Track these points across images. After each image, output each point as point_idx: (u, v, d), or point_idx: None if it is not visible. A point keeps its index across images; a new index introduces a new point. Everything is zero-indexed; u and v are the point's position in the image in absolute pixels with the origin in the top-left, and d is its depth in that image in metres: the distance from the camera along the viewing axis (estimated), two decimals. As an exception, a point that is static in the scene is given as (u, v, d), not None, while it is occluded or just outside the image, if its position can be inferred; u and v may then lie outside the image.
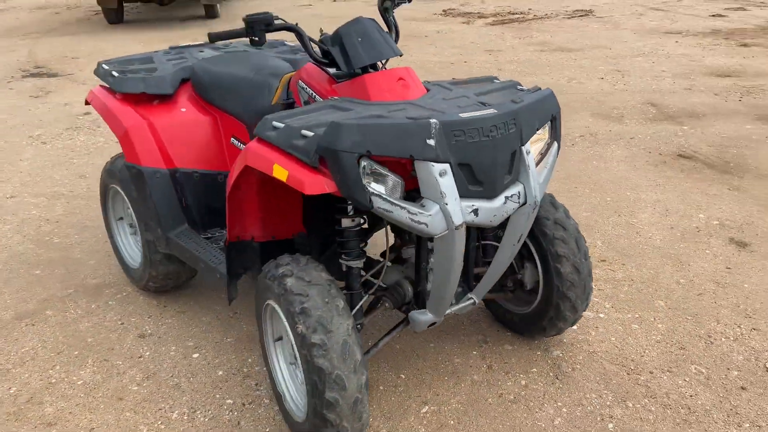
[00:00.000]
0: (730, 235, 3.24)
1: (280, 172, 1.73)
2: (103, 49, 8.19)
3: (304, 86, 2.17)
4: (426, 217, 1.71)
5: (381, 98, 1.93)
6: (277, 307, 1.87)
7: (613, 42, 8.00)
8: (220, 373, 2.35)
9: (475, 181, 1.77)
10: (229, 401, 2.21)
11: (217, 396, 2.24)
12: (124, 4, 10.44)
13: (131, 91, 2.59)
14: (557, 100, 2.00)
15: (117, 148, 4.58)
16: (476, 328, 2.55)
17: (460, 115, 1.76)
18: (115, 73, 2.63)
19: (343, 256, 2.01)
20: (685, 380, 2.26)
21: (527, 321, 2.39)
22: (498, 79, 2.20)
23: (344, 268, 2.02)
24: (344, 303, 1.80)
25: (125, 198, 2.68)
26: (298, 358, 1.80)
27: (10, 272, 3.04)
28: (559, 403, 2.17)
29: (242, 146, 2.55)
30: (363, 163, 1.67)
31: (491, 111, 1.80)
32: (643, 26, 9.07)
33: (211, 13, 10.31)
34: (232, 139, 2.59)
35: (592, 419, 2.09)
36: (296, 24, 2.05)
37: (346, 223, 1.98)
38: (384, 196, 1.68)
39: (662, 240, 3.21)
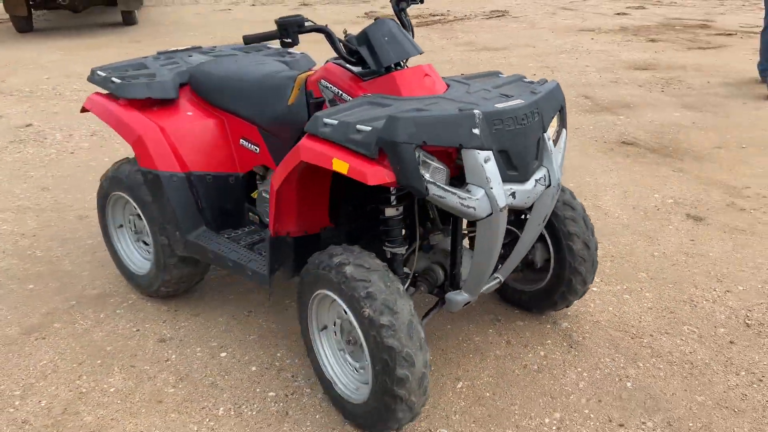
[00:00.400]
0: (686, 212, 3.58)
1: (340, 165, 1.83)
2: (21, 58, 7.82)
3: (329, 85, 2.25)
4: (474, 202, 1.85)
5: (411, 93, 2.05)
6: (334, 295, 1.96)
7: (535, 40, 8.44)
8: (254, 368, 2.40)
9: (511, 166, 1.93)
10: (271, 394, 2.27)
11: (258, 390, 2.29)
12: (33, 12, 9.97)
13: (137, 97, 2.58)
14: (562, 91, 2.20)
15: (72, 160, 4.45)
16: (486, 308, 2.72)
17: (496, 105, 1.91)
18: (116, 80, 2.61)
19: (387, 244, 2.13)
20: (681, 339, 2.51)
21: (537, 297, 2.58)
22: (502, 74, 2.37)
23: (388, 255, 2.13)
24: (402, 286, 1.92)
25: (133, 204, 2.67)
26: (363, 342, 1.89)
27: (0, 288, 2.94)
28: (579, 369, 2.36)
29: (253, 147, 2.59)
30: (417, 153, 1.79)
31: (520, 101, 1.97)
32: (557, 25, 9.61)
33: (128, 20, 10.03)
34: (241, 140, 2.63)
35: (611, 380, 2.30)
36: (326, 25, 2.14)
37: (390, 212, 2.10)
38: (438, 184, 1.81)
39: (629, 219, 3.51)
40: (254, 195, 2.70)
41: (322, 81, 2.29)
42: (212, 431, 2.11)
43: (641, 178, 4.04)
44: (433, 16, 10.71)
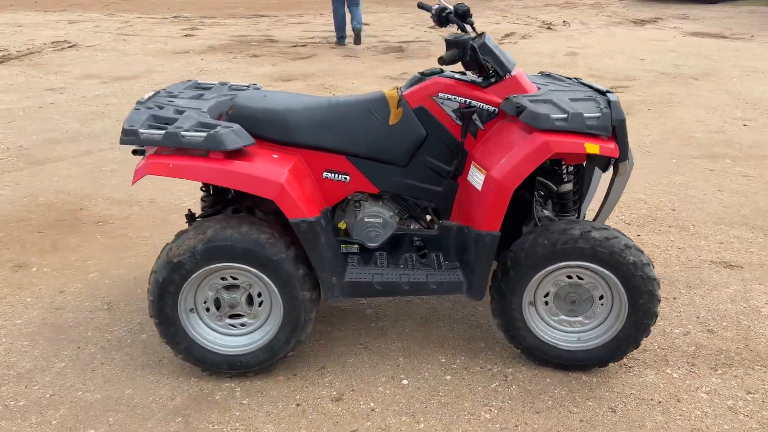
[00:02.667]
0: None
1: (592, 147, 2.29)
2: None
3: (452, 96, 2.53)
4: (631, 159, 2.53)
5: (533, 91, 2.55)
6: (585, 262, 2.35)
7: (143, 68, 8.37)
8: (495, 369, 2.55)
9: None
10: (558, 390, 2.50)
11: (548, 380, 2.53)
12: None
13: (235, 147, 2.26)
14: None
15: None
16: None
17: (608, 95, 2.58)
18: (195, 133, 2.21)
19: (560, 215, 2.58)
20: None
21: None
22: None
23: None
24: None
25: (252, 272, 2.34)
26: (623, 285, 2.36)
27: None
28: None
29: (342, 177, 2.58)
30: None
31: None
32: (148, 49, 9.57)
33: None
34: (325, 173, 2.58)
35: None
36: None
37: (567, 187, 2.56)
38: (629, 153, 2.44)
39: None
40: (342, 225, 2.66)
41: (441, 94, 2.53)
42: None
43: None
44: None
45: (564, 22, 12.42)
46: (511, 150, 2.35)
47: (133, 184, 2.40)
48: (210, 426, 2.27)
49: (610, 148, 2.32)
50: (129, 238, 3.62)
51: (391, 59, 8.95)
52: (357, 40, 9.84)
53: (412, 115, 2.56)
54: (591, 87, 2.67)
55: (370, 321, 2.90)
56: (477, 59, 2.47)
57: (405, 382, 2.51)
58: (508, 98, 2.49)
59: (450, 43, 2.44)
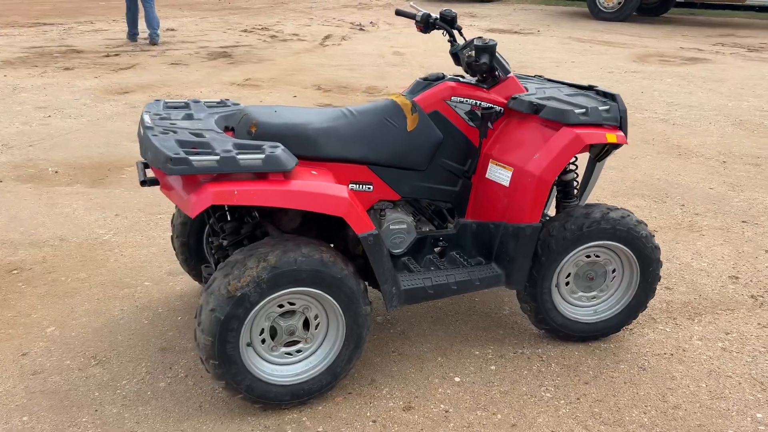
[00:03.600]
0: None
1: (611, 137, 2.54)
2: None
3: (464, 99, 2.64)
4: None
5: (525, 91, 2.76)
6: (611, 241, 2.59)
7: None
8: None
9: None
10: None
11: (577, 354, 2.63)
12: None
13: (293, 167, 2.14)
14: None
15: None
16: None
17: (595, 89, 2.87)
18: (245, 156, 2.06)
19: (563, 202, 2.80)
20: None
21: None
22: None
23: (564, 209, 2.81)
24: None
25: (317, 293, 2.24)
26: (638, 260, 2.64)
27: None
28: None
29: (366, 188, 2.57)
30: None
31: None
32: None
33: None
34: (350, 185, 2.54)
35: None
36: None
37: (570, 176, 2.78)
38: None
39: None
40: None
41: (453, 98, 2.63)
42: None
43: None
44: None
45: (371, 23, 12.91)
46: (542, 145, 2.51)
47: (194, 217, 2.13)
48: (297, 464, 2.12)
49: (622, 136, 2.58)
50: (65, 284, 3.15)
51: (224, 65, 8.64)
52: (153, 40, 9.97)
53: (429, 119, 2.60)
54: (562, 83, 2.94)
55: (387, 328, 2.88)
56: (494, 62, 2.58)
57: (457, 379, 2.55)
58: (515, 97, 2.64)
59: (479, 49, 2.53)
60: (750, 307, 3.10)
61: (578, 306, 2.76)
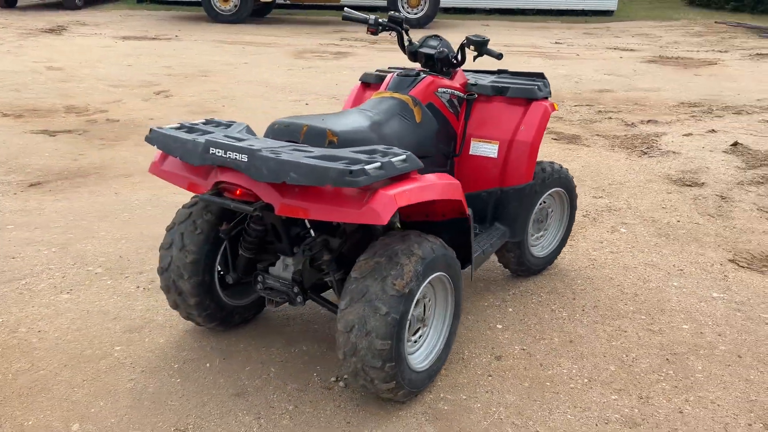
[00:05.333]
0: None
1: (555, 106, 3.20)
2: None
3: (445, 90, 3.01)
4: None
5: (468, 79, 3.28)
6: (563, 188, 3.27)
7: None
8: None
9: None
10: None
11: (536, 303, 3.18)
12: None
13: (421, 166, 2.28)
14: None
15: None
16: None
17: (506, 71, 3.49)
18: (395, 160, 2.15)
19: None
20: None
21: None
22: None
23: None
24: None
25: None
26: (572, 201, 3.40)
27: None
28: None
29: None
30: None
31: None
32: None
33: None
34: None
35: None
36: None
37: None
38: None
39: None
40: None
41: (439, 89, 3.00)
42: None
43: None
44: None
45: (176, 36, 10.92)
46: (521, 119, 3.01)
47: (385, 224, 2.03)
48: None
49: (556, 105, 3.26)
50: (54, 380, 2.43)
51: None
52: None
53: (428, 111, 2.88)
54: (481, 71, 3.47)
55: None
56: (485, 53, 2.99)
57: (499, 326, 2.95)
58: (477, 83, 3.09)
59: (478, 42, 2.88)
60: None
61: (535, 245, 3.39)
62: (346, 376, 2.55)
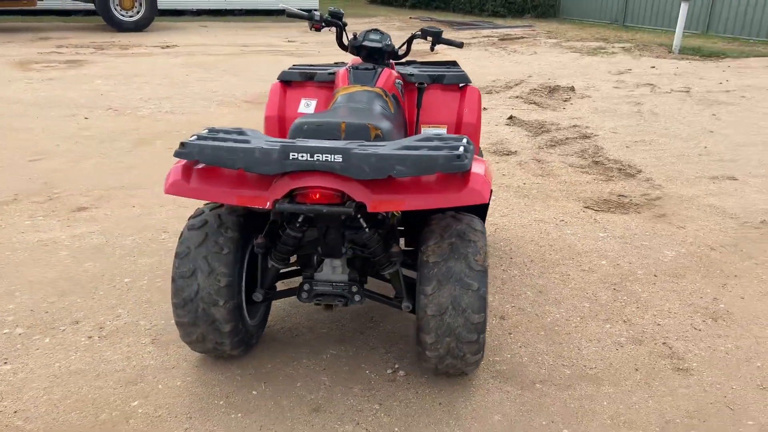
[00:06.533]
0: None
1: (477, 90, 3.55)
2: None
3: (399, 81, 3.17)
4: None
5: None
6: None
7: None
8: None
9: None
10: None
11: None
12: None
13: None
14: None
15: None
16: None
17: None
18: (471, 146, 2.33)
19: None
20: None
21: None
22: None
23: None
24: None
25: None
26: None
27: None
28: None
29: None
30: None
31: None
32: None
33: None
34: None
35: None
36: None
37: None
38: None
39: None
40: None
41: (397, 80, 3.15)
42: None
43: None
44: None
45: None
46: (462, 102, 3.26)
47: (487, 202, 2.10)
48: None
49: None
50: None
51: None
52: None
53: (393, 101, 2.99)
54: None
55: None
56: (408, 48, 3.16)
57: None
58: (412, 74, 3.25)
59: (435, 33, 3.03)
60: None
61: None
62: (396, 366, 2.58)
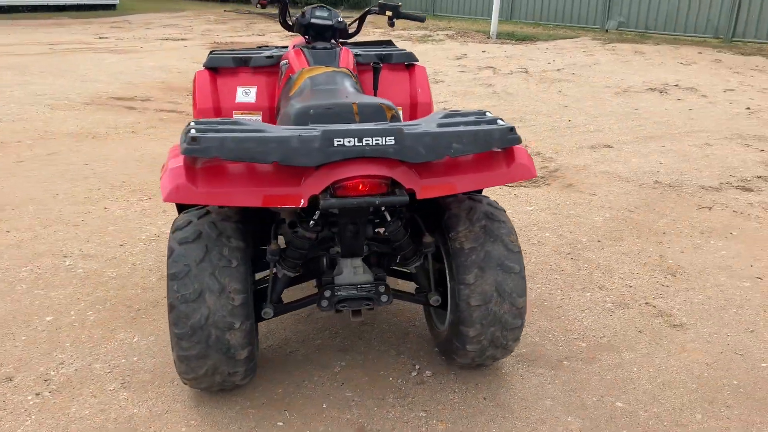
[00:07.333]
0: None
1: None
2: None
3: (356, 61, 2.94)
4: None
5: None
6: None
7: None
8: None
9: None
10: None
11: None
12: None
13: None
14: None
15: None
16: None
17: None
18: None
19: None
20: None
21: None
22: None
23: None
24: None
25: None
26: None
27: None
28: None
29: None
30: None
31: None
32: None
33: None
34: None
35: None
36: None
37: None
38: None
39: None
40: None
41: (355, 60, 2.91)
42: None
43: None
44: None
45: None
46: (412, 81, 3.06)
47: (534, 175, 1.94)
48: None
49: None
50: None
51: None
52: None
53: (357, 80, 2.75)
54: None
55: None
56: (360, 25, 2.93)
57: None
58: (360, 54, 3.01)
59: (393, 7, 2.79)
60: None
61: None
62: (417, 366, 2.37)
